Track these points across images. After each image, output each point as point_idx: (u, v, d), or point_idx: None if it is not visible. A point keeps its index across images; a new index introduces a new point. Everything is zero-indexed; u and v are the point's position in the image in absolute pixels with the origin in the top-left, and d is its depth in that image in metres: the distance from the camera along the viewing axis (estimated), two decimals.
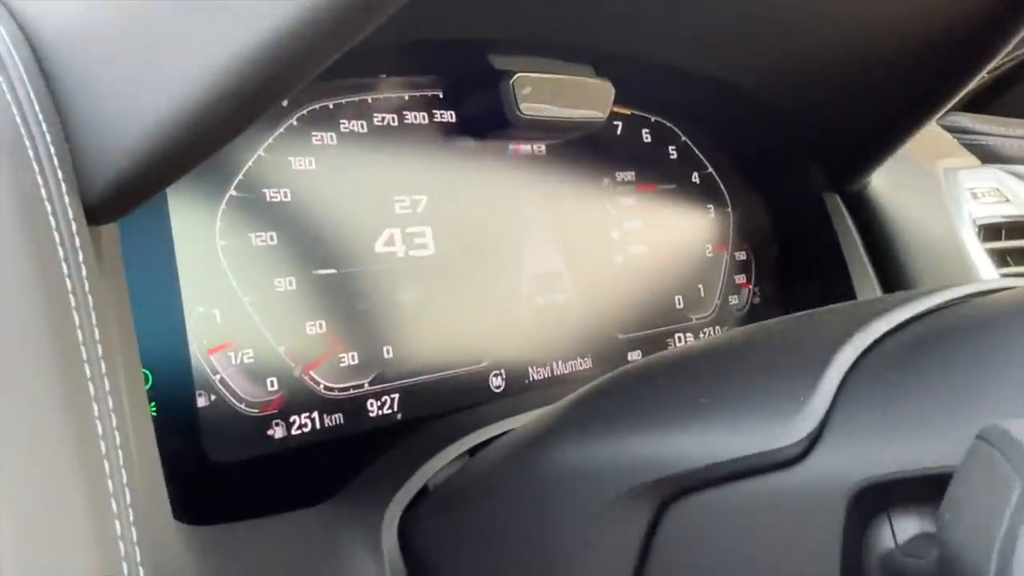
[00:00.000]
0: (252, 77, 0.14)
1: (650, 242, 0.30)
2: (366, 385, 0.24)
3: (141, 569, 0.12)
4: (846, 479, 0.16)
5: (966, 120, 0.42)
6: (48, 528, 0.11)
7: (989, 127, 0.46)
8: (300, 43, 0.13)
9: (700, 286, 0.32)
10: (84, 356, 0.13)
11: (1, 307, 0.12)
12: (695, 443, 0.18)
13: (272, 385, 0.22)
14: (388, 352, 0.24)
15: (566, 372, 0.27)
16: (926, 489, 0.14)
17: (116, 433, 0.13)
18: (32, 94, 0.15)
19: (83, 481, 0.12)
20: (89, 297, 0.14)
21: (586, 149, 0.29)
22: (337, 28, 0.13)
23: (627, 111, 0.30)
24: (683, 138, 0.35)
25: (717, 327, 0.32)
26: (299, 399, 0.23)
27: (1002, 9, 0.27)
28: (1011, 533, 0.10)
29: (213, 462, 0.21)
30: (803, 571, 0.17)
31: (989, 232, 0.37)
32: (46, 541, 0.11)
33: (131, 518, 0.13)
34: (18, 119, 0.14)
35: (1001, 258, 0.39)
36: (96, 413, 0.13)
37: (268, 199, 0.23)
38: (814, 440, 0.16)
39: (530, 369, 0.26)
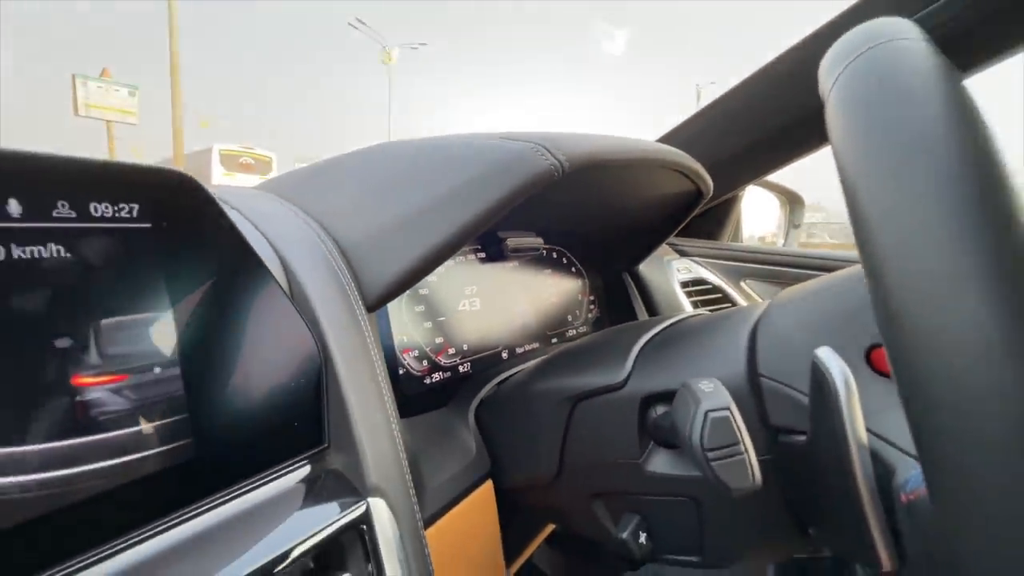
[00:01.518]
0: (449, 246, 0.31)
1: (550, 290, 0.60)
2: (457, 360, 0.46)
3: (396, 431, 0.29)
4: (639, 392, 0.32)
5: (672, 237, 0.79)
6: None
7: (683, 240, 0.88)
8: (471, 232, 0.33)
9: (576, 311, 0.63)
10: (374, 360, 0.30)
11: (349, 343, 0.31)
12: (584, 380, 0.35)
13: (424, 363, 0.44)
14: (465, 346, 0.48)
15: (528, 350, 0.54)
16: (669, 397, 0.29)
17: (384, 390, 0.29)
18: (338, 263, 0.30)
19: (384, 404, 0.31)
20: (368, 334, 0.31)
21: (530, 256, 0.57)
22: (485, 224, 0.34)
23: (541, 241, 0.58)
24: (563, 249, 0.61)
25: (583, 329, 0.63)
26: (434, 368, 0.44)
27: (690, 200, 0.53)
28: (695, 423, 0.25)
29: (404, 395, 0.42)
30: (623, 435, 0.33)
31: (685, 286, 0.74)
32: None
33: (390, 413, 0.34)
34: (336, 271, 0.30)
35: (692, 300, 0.68)
36: (378, 383, 0.30)
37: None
38: (627, 377, 0.33)
39: (516, 348, 0.53)
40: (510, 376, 0.45)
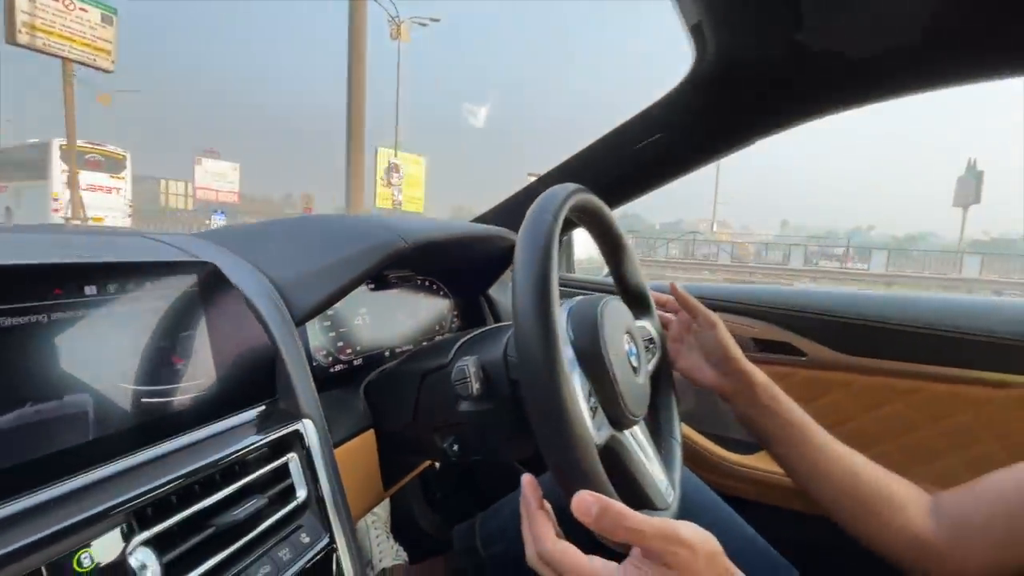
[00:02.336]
0: (344, 290, 0.58)
1: (423, 307, 0.85)
2: (353, 357, 0.69)
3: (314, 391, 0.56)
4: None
5: None
6: None
7: None
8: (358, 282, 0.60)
9: (443, 322, 0.88)
10: (302, 353, 0.57)
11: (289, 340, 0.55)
12: (429, 363, 0.58)
13: (329, 358, 0.66)
14: (358, 347, 0.71)
15: (405, 349, 0.78)
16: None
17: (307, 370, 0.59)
18: (273, 294, 0.51)
19: (308, 376, 0.57)
20: (298, 338, 0.56)
21: (409, 285, 0.82)
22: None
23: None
24: (433, 279, 0.89)
25: (449, 335, 0.88)
26: (336, 362, 0.67)
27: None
28: (469, 373, 0.62)
29: (316, 379, 0.63)
30: (447, 392, 0.53)
31: None
32: None
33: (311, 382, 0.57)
34: (274, 299, 0.56)
35: None
36: (305, 365, 0.58)
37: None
38: (451, 359, 0.61)
39: (396, 348, 0.77)
40: (389, 366, 0.68)
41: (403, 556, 0.93)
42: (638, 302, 0.68)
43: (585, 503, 0.36)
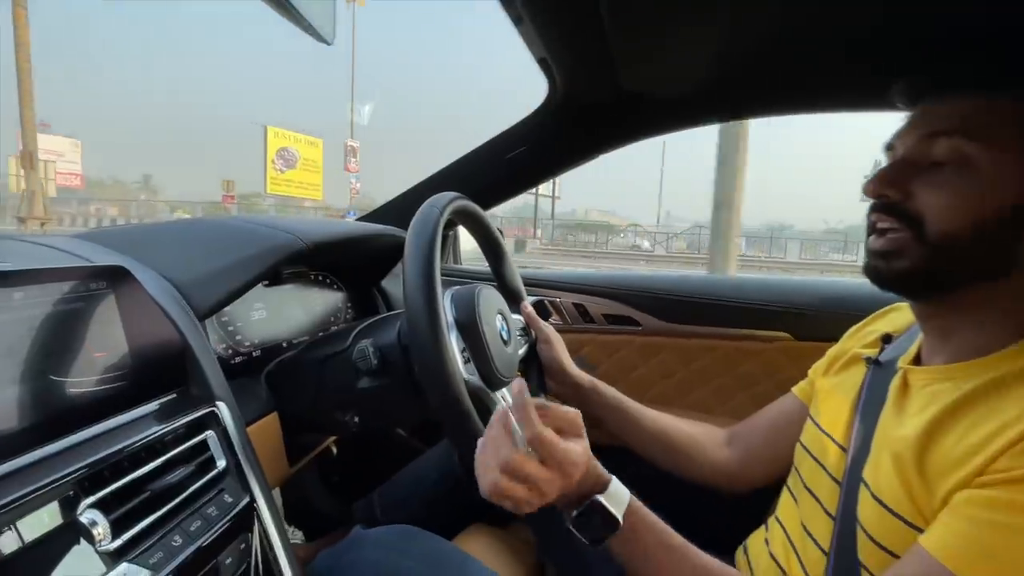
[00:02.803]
0: (240, 290, 0.62)
1: (318, 301, 0.91)
2: (251, 349, 0.74)
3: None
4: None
5: None
6: None
7: None
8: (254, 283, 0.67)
9: (338, 314, 0.95)
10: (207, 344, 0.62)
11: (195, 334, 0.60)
12: (330, 350, 0.70)
13: (229, 351, 0.70)
14: (256, 340, 0.75)
15: (301, 340, 0.84)
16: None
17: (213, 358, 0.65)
18: (174, 293, 0.55)
19: (215, 363, 0.64)
20: (201, 332, 0.61)
21: (303, 280, 0.87)
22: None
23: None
24: (327, 274, 0.94)
25: (344, 326, 0.95)
26: (236, 353, 0.71)
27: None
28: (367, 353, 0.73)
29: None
30: (348, 372, 0.64)
31: None
32: None
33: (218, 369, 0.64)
34: (176, 298, 0.60)
35: None
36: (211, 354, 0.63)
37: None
38: (349, 345, 0.76)
39: (293, 340, 0.82)
40: (288, 356, 0.75)
41: (299, 536, 0.99)
42: (514, 299, 0.83)
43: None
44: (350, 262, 0.90)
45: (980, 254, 0.45)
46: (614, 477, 0.50)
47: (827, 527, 0.54)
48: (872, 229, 0.51)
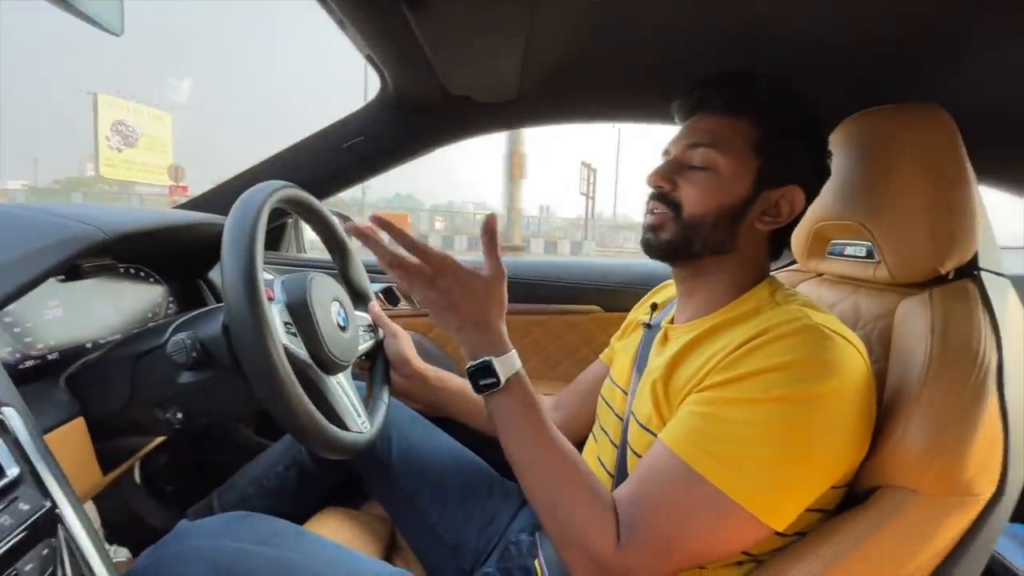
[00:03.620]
0: (29, 285, 0.54)
1: (131, 296, 0.84)
2: (46, 351, 0.65)
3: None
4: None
5: None
6: None
7: None
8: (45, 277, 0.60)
9: (156, 310, 0.88)
10: None
11: None
12: (142, 346, 0.67)
13: (17, 355, 0.61)
14: (52, 342, 0.66)
15: (112, 340, 0.77)
16: None
17: None
18: None
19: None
20: None
21: (110, 274, 0.79)
22: None
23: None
24: (140, 266, 0.86)
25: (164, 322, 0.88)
26: (26, 357, 0.63)
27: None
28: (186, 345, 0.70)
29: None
30: (167, 369, 0.61)
31: None
32: None
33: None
34: None
35: None
36: None
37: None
38: (166, 341, 0.75)
39: (100, 340, 0.75)
40: (92, 357, 0.68)
41: (123, 554, 0.91)
42: (360, 299, 0.85)
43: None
44: (168, 253, 0.84)
45: (716, 233, 0.62)
46: (514, 350, 0.60)
47: (613, 454, 0.68)
48: (648, 211, 0.66)
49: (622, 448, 0.66)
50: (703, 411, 0.52)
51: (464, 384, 0.90)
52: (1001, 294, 0.56)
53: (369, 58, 0.76)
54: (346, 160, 0.98)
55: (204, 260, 0.91)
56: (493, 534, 0.82)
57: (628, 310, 0.90)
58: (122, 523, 0.93)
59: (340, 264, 0.83)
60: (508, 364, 0.58)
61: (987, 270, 0.59)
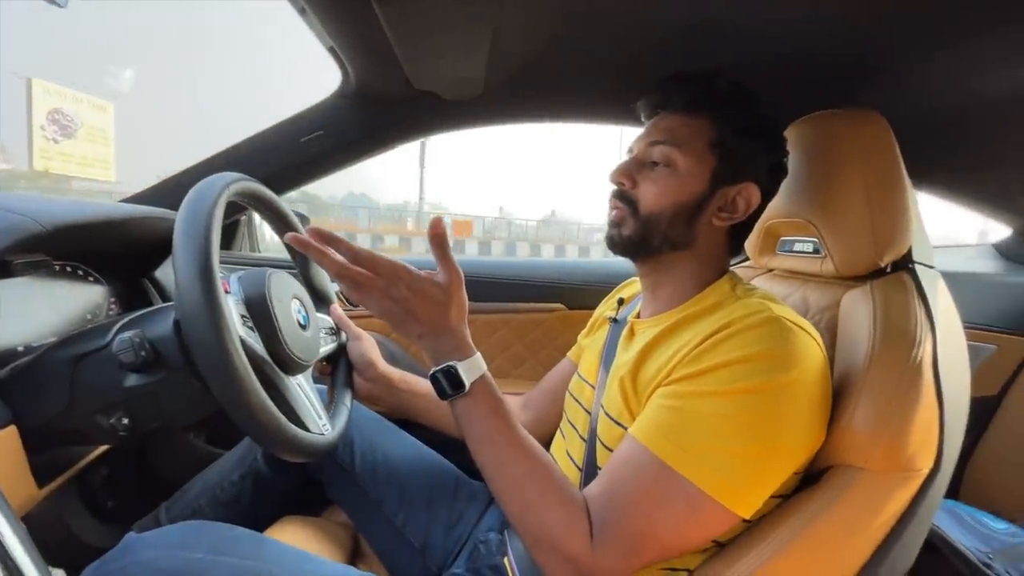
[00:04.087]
0: None
1: (68, 295, 0.78)
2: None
3: None
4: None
5: None
6: None
7: None
8: None
9: (96, 311, 0.82)
10: None
11: None
12: (83, 347, 0.63)
13: None
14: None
15: (47, 343, 0.71)
16: None
17: None
18: None
19: None
20: None
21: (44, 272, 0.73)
22: None
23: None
24: (77, 264, 0.78)
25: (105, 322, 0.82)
26: None
27: None
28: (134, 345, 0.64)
29: None
30: (113, 371, 0.56)
31: None
32: None
33: None
34: None
35: None
36: None
37: None
38: (110, 341, 0.71)
39: (34, 343, 0.69)
40: (24, 361, 0.62)
41: None
42: (322, 300, 0.82)
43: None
44: (110, 250, 0.79)
45: (673, 229, 0.64)
46: (478, 353, 0.59)
47: (582, 448, 0.69)
48: (610, 208, 0.67)
49: (591, 442, 0.67)
50: (671, 404, 0.54)
51: (430, 386, 0.89)
52: (932, 285, 0.61)
53: (332, 50, 0.75)
54: (304, 155, 0.95)
55: (150, 258, 0.85)
56: (460, 534, 0.81)
57: (592, 307, 0.92)
58: (56, 542, 0.86)
59: (300, 264, 0.80)
60: (472, 368, 0.57)
61: (920, 263, 0.64)
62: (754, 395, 0.49)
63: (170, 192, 0.93)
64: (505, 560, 0.71)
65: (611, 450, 0.62)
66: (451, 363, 0.56)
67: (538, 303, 1.16)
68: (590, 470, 0.66)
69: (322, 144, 0.93)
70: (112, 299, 0.83)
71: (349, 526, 0.92)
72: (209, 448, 1.06)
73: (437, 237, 0.55)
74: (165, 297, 0.90)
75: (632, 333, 0.71)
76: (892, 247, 0.62)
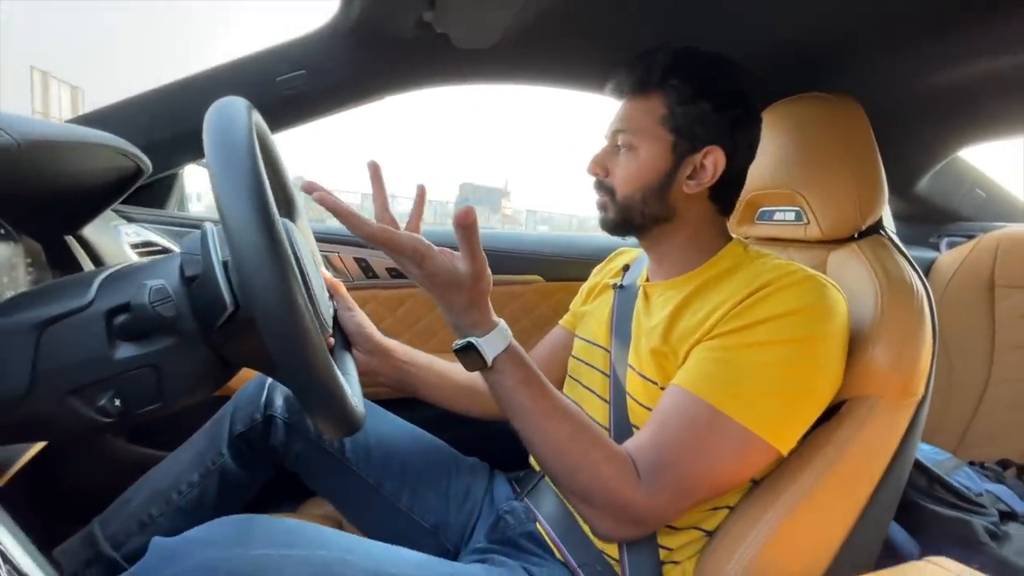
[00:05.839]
0: None
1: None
2: None
3: None
4: (104, 308, 0.53)
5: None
6: None
7: (130, 208, 0.96)
8: None
9: (12, 273, 0.63)
10: None
11: None
12: (49, 310, 0.43)
13: None
14: None
15: None
16: (127, 308, 0.49)
17: None
18: None
19: None
20: None
21: None
22: None
23: None
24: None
25: (23, 288, 0.64)
26: None
27: (130, 174, 0.76)
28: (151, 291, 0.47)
29: None
30: (94, 340, 0.44)
31: (136, 247, 0.83)
32: None
33: None
34: None
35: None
36: None
37: None
38: (93, 299, 0.56)
39: None
40: None
41: None
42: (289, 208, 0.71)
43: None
44: (26, 193, 0.61)
45: (650, 207, 0.67)
46: (501, 322, 0.57)
47: (604, 409, 0.70)
48: (596, 195, 0.70)
49: (618, 399, 0.68)
50: (719, 356, 0.57)
51: (432, 357, 0.83)
52: (898, 247, 0.72)
53: None
54: (276, 97, 0.82)
55: (83, 208, 0.68)
56: (472, 508, 0.78)
57: (570, 279, 0.93)
58: None
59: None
60: (494, 342, 0.55)
61: (886, 229, 0.75)
62: (799, 344, 0.54)
63: (124, 117, 0.75)
64: (538, 526, 0.70)
65: (645, 406, 0.63)
66: (470, 339, 0.55)
67: (514, 275, 1.14)
68: (621, 427, 0.67)
69: (301, 86, 0.81)
70: (28, 259, 0.65)
71: (332, 518, 0.84)
72: (138, 449, 0.88)
73: (464, 227, 0.52)
74: (96, 259, 0.72)
75: (647, 296, 0.73)
76: (872, 213, 0.72)
